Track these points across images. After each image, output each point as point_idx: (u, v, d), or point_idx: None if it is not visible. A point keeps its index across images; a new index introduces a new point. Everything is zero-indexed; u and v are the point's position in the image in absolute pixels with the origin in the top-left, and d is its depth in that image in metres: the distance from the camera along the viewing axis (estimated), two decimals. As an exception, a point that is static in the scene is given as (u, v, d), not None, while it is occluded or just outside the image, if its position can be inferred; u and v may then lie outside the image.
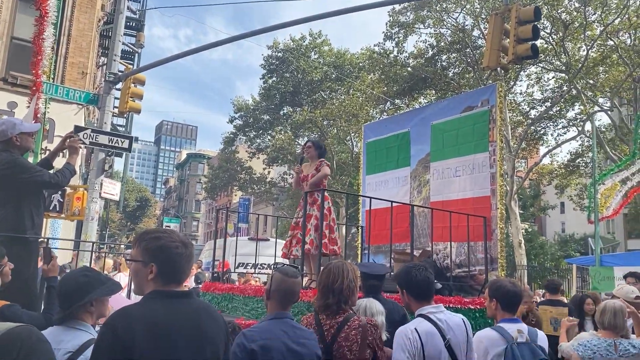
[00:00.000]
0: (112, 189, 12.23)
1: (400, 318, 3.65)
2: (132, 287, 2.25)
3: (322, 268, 3.31)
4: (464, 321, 3.18)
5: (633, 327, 4.80)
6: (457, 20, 23.17)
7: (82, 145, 10.92)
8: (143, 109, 12.43)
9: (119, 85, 12.34)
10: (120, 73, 11.96)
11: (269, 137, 34.35)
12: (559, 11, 20.32)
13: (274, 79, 32.67)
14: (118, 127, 20.13)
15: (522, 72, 23.48)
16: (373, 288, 3.83)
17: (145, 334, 1.89)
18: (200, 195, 73.52)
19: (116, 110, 12.56)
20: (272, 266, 7.05)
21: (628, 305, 4.30)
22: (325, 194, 5.77)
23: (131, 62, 16.98)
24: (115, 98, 12.76)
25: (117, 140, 11.03)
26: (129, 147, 11.30)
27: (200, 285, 7.82)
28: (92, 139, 10.54)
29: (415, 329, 2.97)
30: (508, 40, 7.70)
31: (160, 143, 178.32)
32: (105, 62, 15.45)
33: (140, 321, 1.92)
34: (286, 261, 8.40)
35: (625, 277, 7.21)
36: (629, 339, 3.93)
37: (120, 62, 12.33)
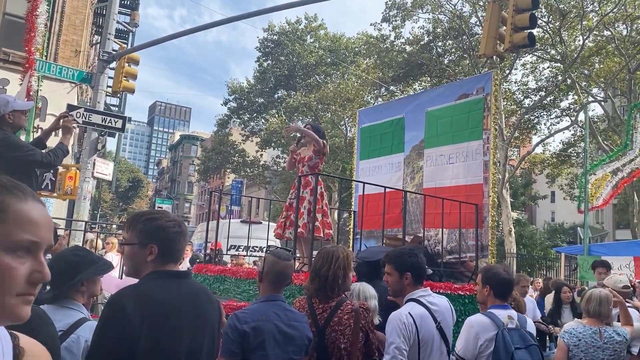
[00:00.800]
0: (105, 169, 12.17)
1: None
2: (126, 269, 2.25)
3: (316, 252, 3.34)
4: (448, 302, 3.31)
5: (619, 315, 4.90)
6: (455, 6, 23.05)
7: (76, 125, 10.85)
8: (137, 89, 12.32)
9: (113, 65, 12.21)
10: (114, 52, 11.82)
11: (263, 121, 34.24)
12: (556, 0, 20.25)
13: (269, 62, 32.47)
14: (111, 107, 19.97)
15: (517, 61, 23.47)
16: (374, 273, 3.86)
17: (152, 314, 1.90)
18: (193, 177, 73.32)
19: (110, 89, 12.46)
20: (264, 249, 7.09)
21: (615, 295, 4.37)
22: (319, 178, 5.78)
23: (125, 42, 16.81)
24: (109, 77, 12.66)
25: (110, 120, 10.94)
26: (122, 127, 11.22)
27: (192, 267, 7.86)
28: (85, 118, 10.45)
29: (409, 313, 3.02)
30: (505, 28, 7.68)
31: (154, 124, 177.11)
32: (99, 40, 15.27)
33: (146, 301, 1.92)
34: (278, 243, 8.44)
35: (595, 267, 7.27)
36: (613, 326, 4.01)
37: (114, 41, 12.18)
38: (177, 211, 77.22)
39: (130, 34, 17.16)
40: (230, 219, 18.89)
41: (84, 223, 9.38)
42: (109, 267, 2.78)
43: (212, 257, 7.35)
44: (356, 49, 30.00)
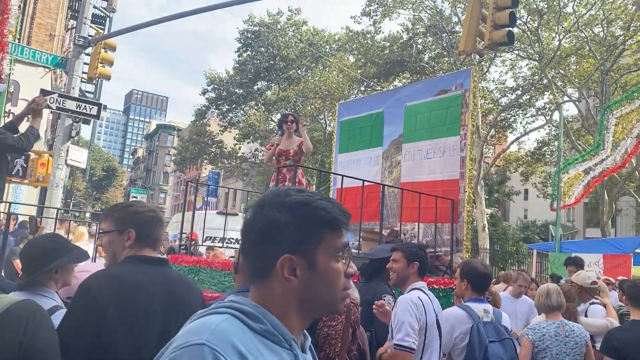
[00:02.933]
0: (79, 157, 11.94)
1: (371, 298, 3.71)
2: (106, 260, 2.27)
3: None
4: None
5: (586, 311, 5.01)
6: (435, 3, 23.16)
7: (50, 111, 10.60)
8: (113, 77, 12.09)
9: (89, 50, 11.95)
10: (90, 37, 11.56)
11: (242, 112, 33.97)
12: (535, 0, 20.53)
13: (249, 53, 32.18)
14: (86, 94, 19.55)
15: (496, 59, 23.75)
16: (375, 272, 3.92)
17: (120, 294, 1.89)
18: (168, 167, 72.40)
19: (85, 75, 12.18)
20: (238, 241, 7.04)
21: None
22: (300, 170, 5.77)
23: (102, 27, 16.42)
24: (85, 63, 12.36)
25: (85, 106, 10.71)
26: (97, 114, 11.00)
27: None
28: (60, 104, 10.22)
29: (419, 297, 3.14)
30: (485, 25, 7.75)
31: (130, 112, 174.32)
32: (75, 25, 14.91)
33: (115, 281, 1.92)
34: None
35: (567, 264, 7.47)
36: (579, 321, 4.09)
37: (90, 26, 11.91)
38: (152, 201, 76.23)
39: (108, 19, 16.78)
40: (206, 210, 18.74)
41: (55, 210, 9.18)
42: (84, 256, 2.73)
43: (188, 248, 7.28)
44: (339, 43, 29.97)
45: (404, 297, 3.16)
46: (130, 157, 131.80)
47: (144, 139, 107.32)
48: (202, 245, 8.27)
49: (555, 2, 20.24)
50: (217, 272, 5.39)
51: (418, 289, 3.24)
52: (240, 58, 32.61)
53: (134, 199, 59.60)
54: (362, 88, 26.88)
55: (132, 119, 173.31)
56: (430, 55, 24.87)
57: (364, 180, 5.79)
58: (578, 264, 7.29)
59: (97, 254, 5.79)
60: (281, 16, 31.37)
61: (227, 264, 5.31)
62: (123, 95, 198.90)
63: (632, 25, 20.22)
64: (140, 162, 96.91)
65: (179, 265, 6.11)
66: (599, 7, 20.25)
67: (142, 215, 2.12)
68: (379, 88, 25.23)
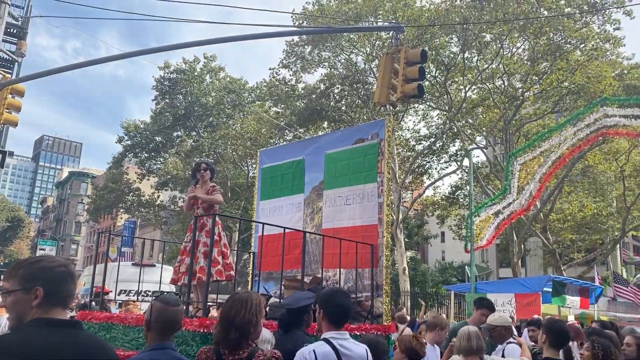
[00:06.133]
0: (-22, 208, 11.03)
1: (292, 348, 3.63)
2: (9, 323, 2.02)
3: (227, 298, 3.15)
4: (367, 351, 3.23)
5: (503, 350, 5.20)
6: (350, 56, 24.19)
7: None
8: (22, 122, 11.46)
9: (-6, 95, 11.28)
10: (-5, 81, 10.95)
11: (162, 159, 33.26)
12: (442, 55, 22.02)
13: (167, 100, 31.87)
14: (-11, 140, 18.34)
15: (410, 109, 25.03)
16: (295, 320, 3.76)
17: None
18: (81, 216, 68.61)
19: (-12, 121, 11.44)
20: (154, 294, 6.74)
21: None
22: (217, 219, 5.67)
23: (10, 71, 15.64)
24: (-12, 108, 11.64)
25: (-13, 154, 10.03)
26: (1, 162, 10.31)
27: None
28: (-43, 151, 9.50)
29: (314, 350, 3.01)
30: (397, 79, 8.19)
31: (40, 159, 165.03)
32: (-22, 68, 14.08)
33: (13, 352, 1.72)
34: (173, 287, 8.06)
35: (478, 307, 7.53)
36: None
37: (-4, 70, 11.31)
38: (62, 253, 71.46)
39: (16, 63, 16.03)
40: (120, 261, 17.85)
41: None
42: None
43: (100, 303, 6.86)
44: (257, 91, 30.41)
45: (299, 352, 3.04)
46: (39, 206, 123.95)
47: (54, 187, 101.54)
48: (113, 300, 7.80)
49: (459, 57, 21.85)
50: (130, 329, 5.09)
51: (325, 339, 3.12)
52: (158, 106, 32.24)
53: (42, 251, 55.57)
54: (285, 135, 27.25)
55: (42, 165, 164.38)
56: (346, 102, 25.74)
57: (284, 228, 5.78)
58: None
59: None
60: (197, 63, 31.49)
61: (141, 319, 5.04)
62: (32, 141, 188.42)
63: (529, 79, 22.19)
64: (49, 211, 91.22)
65: (89, 322, 5.72)
66: (498, 62, 22.07)
67: (52, 270, 1.93)
68: (299, 135, 25.70)
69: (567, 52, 20.82)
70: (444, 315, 17.84)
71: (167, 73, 31.36)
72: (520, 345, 5.43)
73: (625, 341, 4.93)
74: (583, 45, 20.87)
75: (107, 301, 7.25)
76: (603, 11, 20.35)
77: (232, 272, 5.88)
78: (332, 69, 24.52)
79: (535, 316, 9.86)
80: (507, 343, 5.27)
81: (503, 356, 5.06)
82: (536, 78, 22.16)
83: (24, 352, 1.74)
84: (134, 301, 8.64)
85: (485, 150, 26.38)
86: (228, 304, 2.97)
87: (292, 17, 23.24)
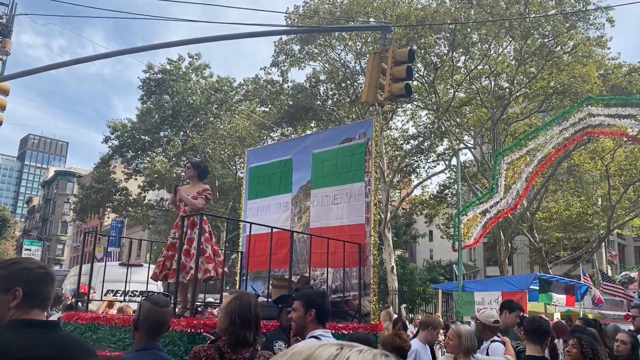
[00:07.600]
0: (-38, 208, 10.89)
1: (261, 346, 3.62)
2: None
3: (229, 296, 3.08)
4: None
5: (487, 349, 5.24)
6: (340, 55, 24.22)
7: None
8: (6, 121, 11.34)
9: (-23, 93, 11.14)
10: (-21, 80, 10.83)
11: (148, 159, 33.02)
12: (430, 55, 22.12)
13: (153, 100, 31.62)
14: (-27, 139, 18.08)
15: (399, 108, 25.11)
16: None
17: None
18: (67, 216, 67.95)
19: (-28, 120, 11.29)
20: (142, 294, 6.70)
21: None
22: (204, 218, 5.66)
23: (-6, 69, 15.42)
24: (-28, 107, 11.49)
25: (-30, 153, 9.90)
26: (-15, 161, 10.19)
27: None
28: (-60, 150, 9.36)
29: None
30: (385, 78, 8.22)
31: (25, 158, 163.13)
32: (-38, 66, 13.87)
33: None
34: (160, 286, 8.00)
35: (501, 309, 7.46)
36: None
37: (-20, 68, 11.17)
38: (48, 253, 70.78)
39: (0, 62, 15.81)
40: (107, 261, 17.69)
41: None
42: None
43: (84, 303, 6.80)
44: (245, 88, 30.29)
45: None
46: (25, 205, 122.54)
47: (40, 187, 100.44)
48: (100, 300, 7.74)
49: (447, 58, 21.96)
50: (117, 329, 5.08)
51: (315, 337, 3.16)
52: (144, 106, 32.00)
53: (27, 251, 54.95)
54: (273, 134, 27.19)
55: (28, 165, 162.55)
56: (334, 101, 25.73)
57: (272, 227, 5.79)
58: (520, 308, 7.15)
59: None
60: (182, 62, 31.26)
61: (128, 320, 5.02)
62: (18, 140, 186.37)
63: (516, 79, 22.36)
64: (35, 211, 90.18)
65: (75, 322, 5.69)
66: (485, 63, 22.21)
67: (31, 272, 1.93)
68: (286, 134, 25.67)
69: (553, 52, 21.01)
70: (439, 314, 17.99)
71: (152, 74, 31.10)
72: (504, 343, 5.48)
73: (619, 338, 4.99)
74: (571, 49, 21.13)
75: (90, 301, 7.20)
76: (586, 18, 20.68)
77: (226, 269, 5.88)
78: (324, 64, 24.46)
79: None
80: (491, 342, 5.32)
81: (487, 354, 5.10)
82: (523, 78, 22.35)
83: (3, 352, 1.74)
84: (120, 301, 8.58)
85: (473, 149, 26.54)
86: (234, 300, 2.91)
87: (285, 17, 23.24)
